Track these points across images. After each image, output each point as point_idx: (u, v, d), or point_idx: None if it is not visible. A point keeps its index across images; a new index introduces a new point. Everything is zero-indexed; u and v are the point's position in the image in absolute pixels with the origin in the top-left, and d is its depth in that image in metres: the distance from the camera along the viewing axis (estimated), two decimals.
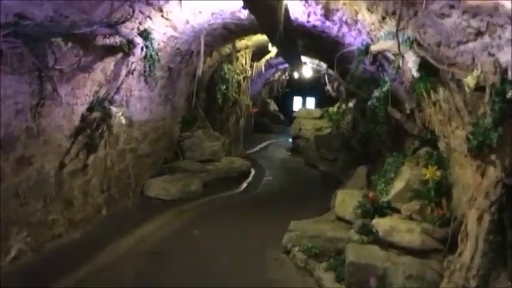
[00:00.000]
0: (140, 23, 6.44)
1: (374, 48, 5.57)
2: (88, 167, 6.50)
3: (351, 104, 17.28)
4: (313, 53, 13.75)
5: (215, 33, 9.25)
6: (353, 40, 7.44)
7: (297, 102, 30.68)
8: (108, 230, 6.72)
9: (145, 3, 5.92)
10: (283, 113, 26.75)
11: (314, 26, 7.93)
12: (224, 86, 11.72)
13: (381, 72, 6.48)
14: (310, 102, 30.03)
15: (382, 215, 5.78)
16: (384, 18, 5.03)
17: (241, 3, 5.78)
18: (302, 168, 14.25)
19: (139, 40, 6.29)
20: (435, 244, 4.95)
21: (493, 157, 3.30)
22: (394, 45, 4.99)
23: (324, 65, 16.68)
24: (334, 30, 7.49)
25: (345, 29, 6.98)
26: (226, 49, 11.63)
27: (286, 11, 5.94)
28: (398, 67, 5.31)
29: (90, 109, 6.33)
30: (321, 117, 18.21)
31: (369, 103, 7.37)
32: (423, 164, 5.71)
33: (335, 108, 18.18)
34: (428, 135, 5.99)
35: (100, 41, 5.83)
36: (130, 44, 6.16)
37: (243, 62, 12.58)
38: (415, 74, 4.57)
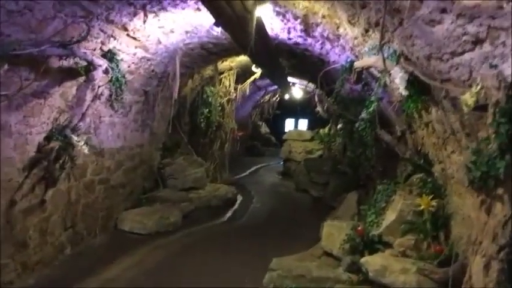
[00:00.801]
0: (103, 43, 5.87)
1: (358, 64, 5.01)
2: (46, 203, 5.84)
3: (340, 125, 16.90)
4: (299, 74, 13.24)
5: (193, 54, 8.72)
6: (337, 58, 6.92)
7: (289, 124, 30.16)
8: (70, 272, 6.02)
9: (105, 21, 5.36)
10: (275, 136, 26.21)
11: (296, 44, 7.41)
12: (207, 110, 11.13)
13: (367, 92, 5.93)
14: (303, 123, 29.53)
15: (373, 250, 5.15)
16: (367, 31, 4.49)
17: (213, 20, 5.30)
18: (292, 194, 13.61)
19: (100, 61, 5.71)
20: (433, 286, 4.31)
21: (500, 191, 2.70)
22: (378, 61, 4.44)
23: (312, 86, 16.24)
24: (317, 47, 6.97)
25: (327, 45, 6.46)
26: (209, 71, 11.11)
27: (262, 26, 5.41)
28: (385, 85, 4.74)
29: (48, 138, 5.71)
30: (312, 139, 17.64)
31: (356, 125, 6.82)
32: (417, 193, 5.11)
33: (326, 130, 17.71)
34: (421, 160, 5.41)
35: (55, 63, 5.26)
36: (90, 65, 5.57)
37: (227, 84, 12.03)
38: (403, 92, 4.00)
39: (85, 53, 5.49)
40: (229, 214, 10.25)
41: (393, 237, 5.08)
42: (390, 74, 4.14)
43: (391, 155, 7.02)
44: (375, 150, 6.71)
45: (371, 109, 5.28)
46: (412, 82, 3.97)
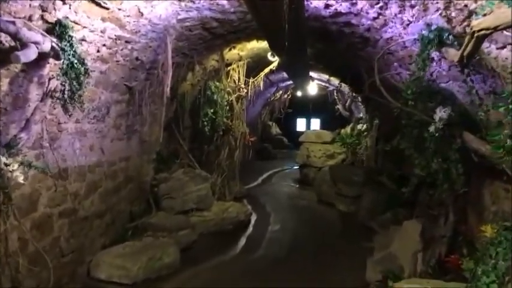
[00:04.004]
0: (44, 9, 3.69)
1: (484, 23, 2.77)
2: None
3: (359, 126, 14.64)
4: (324, 66, 11.00)
5: (192, 36, 6.54)
6: (400, 31, 4.72)
7: (300, 124, 27.99)
8: None
9: None
10: (286, 136, 24.13)
11: (335, 15, 5.21)
12: (212, 110, 8.90)
13: (469, 77, 3.70)
14: (315, 123, 27.35)
15: None
16: None
17: None
18: (315, 208, 11.41)
19: (36, 36, 3.54)
20: None
21: None
22: None
23: (335, 82, 14.03)
24: (369, 16, 4.77)
25: (393, 9, 4.24)
26: (213, 62, 8.93)
27: None
28: None
29: None
30: (333, 141, 15.40)
31: (431, 129, 4.62)
32: None
33: (348, 130, 15.49)
34: None
35: None
36: (16, 41, 3.40)
37: (236, 78, 9.80)
38: None
39: (10, 22, 3.32)
40: (242, 243, 8.01)
41: None
42: None
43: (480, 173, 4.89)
44: (461, 167, 4.51)
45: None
46: None
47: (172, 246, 6.61)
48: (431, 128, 4.62)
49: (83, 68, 4.23)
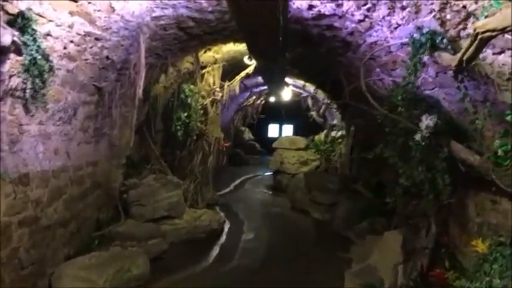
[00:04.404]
0: None
1: (490, 25, 2.53)
2: None
3: (333, 133, 14.55)
4: (300, 71, 10.81)
5: (166, 36, 6.24)
6: (387, 34, 4.52)
7: (272, 130, 27.90)
8: None
9: None
10: (258, 142, 23.98)
11: (318, 17, 5.00)
12: (185, 114, 8.58)
13: (462, 83, 3.51)
14: (288, 129, 27.29)
15: None
16: None
17: None
18: (289, 216, 11.19)
19: None
20: None
21: None
22: None
23: (311, 88, 13.90)
24: (354, 18, 4.56)
25: (381, 11, 4.05)
26: (188, 64, 8.61)
27: None
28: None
29: None
30: (307, 147, 15.25)
31: (417, 137, 4.45)
32: None
33: (322, 137, 15.37)
34: None
35: None
36: None
37: (211, 81, 9.51)
38: None
39: None
40: (215, 252, 7.68)
41: None
42: None
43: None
44: (448, 178, 4.34)
45: None
46: None
47: (142, 256, 6.24)
48: (417, 137, 4.43)
49: (47, 65, 3.90)
